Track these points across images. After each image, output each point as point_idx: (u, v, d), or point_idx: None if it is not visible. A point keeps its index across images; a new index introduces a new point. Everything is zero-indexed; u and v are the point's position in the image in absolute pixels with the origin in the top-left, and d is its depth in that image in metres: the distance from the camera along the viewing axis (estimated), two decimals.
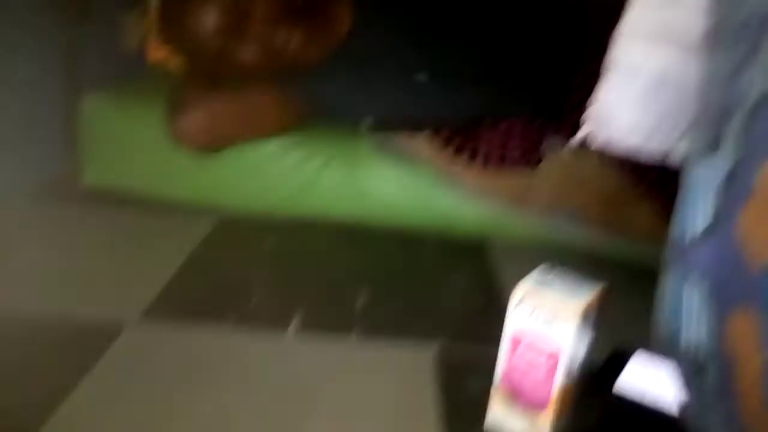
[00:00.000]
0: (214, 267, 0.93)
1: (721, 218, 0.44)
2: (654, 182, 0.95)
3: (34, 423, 0.59)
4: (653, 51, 0.51)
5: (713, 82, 0.43)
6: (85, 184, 1.13)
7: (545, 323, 0.55)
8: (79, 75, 1.21)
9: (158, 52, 1.22)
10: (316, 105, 1.06)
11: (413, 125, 1.06)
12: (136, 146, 1.10)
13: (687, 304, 0.47)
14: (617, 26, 0.70)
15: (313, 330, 0.78)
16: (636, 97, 0.54)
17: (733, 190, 0.42)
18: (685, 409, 0.48)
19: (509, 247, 1.05)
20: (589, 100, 1.04)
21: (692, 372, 0.45)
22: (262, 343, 0.74)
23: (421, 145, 1.03)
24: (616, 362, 0.69)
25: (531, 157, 0.99)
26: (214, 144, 1.02)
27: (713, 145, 0.43)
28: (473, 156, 0.99)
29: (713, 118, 0.43)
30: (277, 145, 1.06)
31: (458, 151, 1.00)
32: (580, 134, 0.58)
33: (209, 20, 0.98)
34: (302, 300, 0.84)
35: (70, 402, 0.62)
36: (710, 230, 0.45)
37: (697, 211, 0.46)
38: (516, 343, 0.58)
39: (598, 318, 0.59)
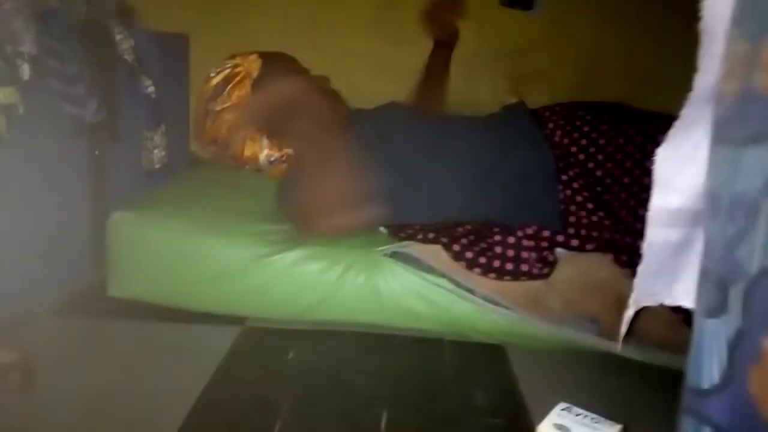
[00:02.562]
0: (239, 385, 0.94)
1: (735, 373, 0.45)
2: None
3: None
4: (671, 230, 0.55)
5: (713, 248, 0.46)
6: (112, 297, 1.16)
7: None
8: (106, 193, 1.27)
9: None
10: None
11: (424, 233, 1.10)
12: (161, 259, 1.14)
13: None
14: None
15: None
16: (666, 266, 0.58)
17: (744, 349, 0.44)
18: None
19: (527, 351, 1.06)
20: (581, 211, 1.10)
21: None
22: None
23: (436, 254, 1.06)
24: None
25: (543, 267, 1.02)
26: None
27: (720, 307, 0.45)
28: (486, 271, 1.02)
29: (715, 282, 0.45)
30: (298, 255, 1.10)
31: (470, 266, 1.03)
32: (629, 312, 0.62)
33: None
34: (326, 425, 0.85)
35: None
36: (724, 384, 0.46)
37: (711, 363, 0.47)
38: None
39: None
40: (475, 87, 1.70)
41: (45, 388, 0.88)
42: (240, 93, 1.24)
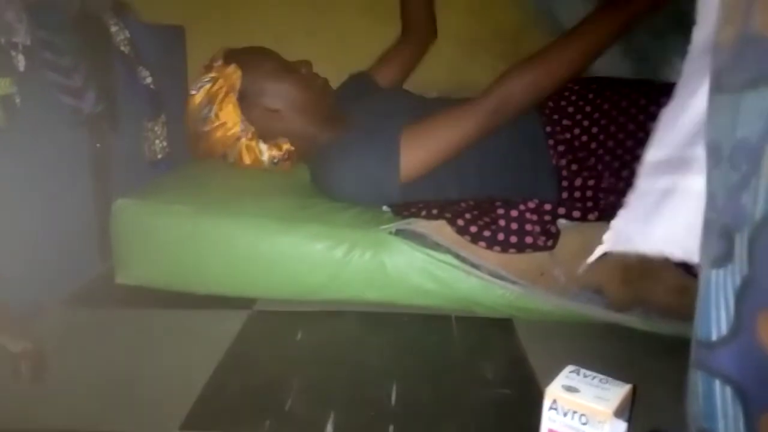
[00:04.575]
0: (249, 366, 0.95)
1: (743, 323, 0.45)
2: None
3: None
4: (657, 178, 0.55)
5: (715, 197, 0.46)
6: (120, 285, 1.16)
7: (580, 424, 0.56)
8: (109, 185, 1.27)
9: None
10: None
11: (427, 209, 1.09)
12: (166, 244, 1.14)
13: (721, 403, 0.48)
14: None
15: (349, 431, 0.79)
16: (648, 212, 0.57)
17: (752, 297, 0.44)
18: None
19: (535, 324, 1.07)
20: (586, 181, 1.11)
21: None
22: None
23: (440, 230, 1.06)
24: None
25: (547, 239, 1.01)
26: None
27: (725, 256, 0.45)
28: (491, 244, 1.02)
29: (719, 231, 0.45)
30: (303, 235, 1.10)
31: (475, 240, 1.03)
32: (600, 251, 0.61)
33: None
34: (336, 400, 0.85)
35: None
36: (733, 334, 0.46)
37: (719, 313, 0.47)
38: None
39: (630, 412, 0.60)
40: (474, 69, 1.69)
41: (57, 376, 0.89)
42: (226, 110, 1.21)
